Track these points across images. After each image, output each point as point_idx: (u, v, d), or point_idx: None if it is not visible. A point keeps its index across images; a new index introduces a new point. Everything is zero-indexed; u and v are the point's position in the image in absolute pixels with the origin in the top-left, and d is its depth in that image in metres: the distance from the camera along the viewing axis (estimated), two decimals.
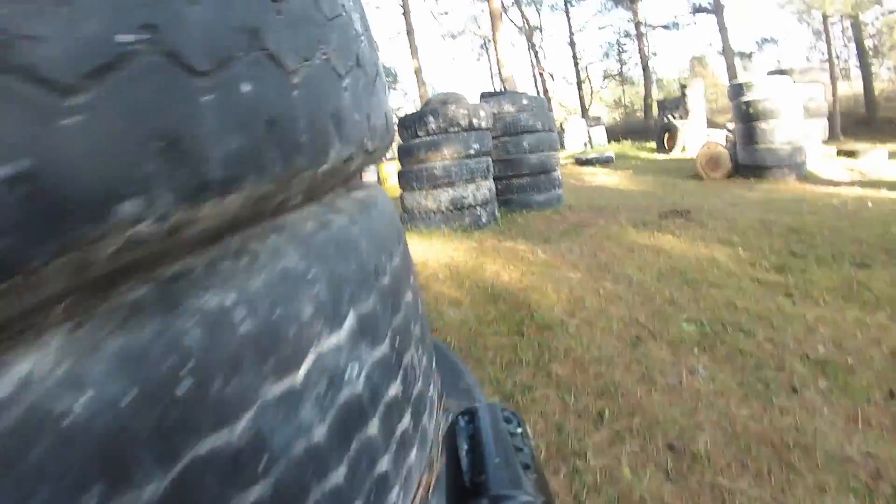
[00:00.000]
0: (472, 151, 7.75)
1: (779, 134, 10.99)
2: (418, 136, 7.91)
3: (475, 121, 7.80)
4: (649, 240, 5.93)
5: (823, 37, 28.34)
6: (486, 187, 8.02)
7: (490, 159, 8.31)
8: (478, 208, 7.86)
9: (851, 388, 2.85)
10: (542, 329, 3.79)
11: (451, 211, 7.74)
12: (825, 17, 26.50)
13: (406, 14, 27.80)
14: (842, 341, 3.34)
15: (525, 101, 9.30)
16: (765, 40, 35.04)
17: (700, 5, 33.71)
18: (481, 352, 3.58)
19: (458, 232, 7.42)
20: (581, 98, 40.27)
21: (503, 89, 17.75)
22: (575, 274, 4.96)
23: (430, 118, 7.73)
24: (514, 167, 9.14)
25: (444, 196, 7.72)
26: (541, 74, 39.95)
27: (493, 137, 8.83)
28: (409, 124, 8.01)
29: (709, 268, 4.81)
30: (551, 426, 2.66)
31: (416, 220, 8.04)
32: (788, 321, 3.63)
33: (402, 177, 8.26)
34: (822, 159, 13.43)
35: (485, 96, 9.95)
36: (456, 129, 7.72)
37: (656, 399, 2.83)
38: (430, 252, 6.36)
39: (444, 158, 7.72)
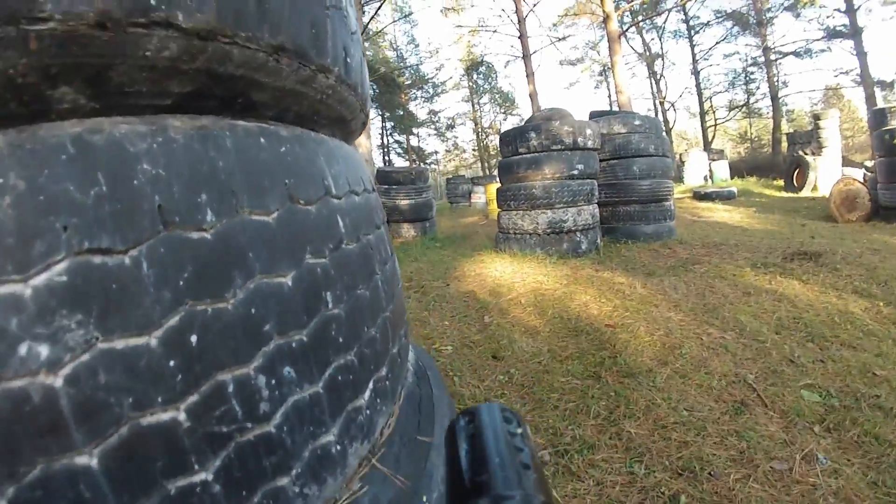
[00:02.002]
0: (575, 172, 7.19)
1: None
2: (519, 153, 7.47)
3: (580, 139, 7.22)
4: (769, 284, 5.10)
5: None
6: (589, 212, 7.39)
7: (595, 182, 7.71)
8: (578, 234, 7.24)
9: None
10: (624, 376, 3.18)
11: (549, 234, 7.19)
12: None
13: (523, 37, 27.73)
14: None
15: (637, 122, 8.58)
16: None
17: (835, 29, 31.38)
18: (546, 393, 3.06)
19: (555, 257, 6.86)
20: (704, 130, 38.59)
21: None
22: (675, 315, 4.25)
23: (532, 134, 7.27)
24: (621, 193, 8.45)
25: (542, 218, 7.18)
26: (661, 104, 38.72)
27: (600, 159, 8.28)
28: (511, 140, 7.59)
29: (841, 323, 3.96)
30: (605, 501, 2.03)
31: (510, 242, 7.60)
32: None
33: (500, 195, 7.86)
34: None
35: (594, 115, 9.35)
36: (559, 146, 7.19)
37: (754, 490, 2.14)
38: (519, 276, 5.89)
39: (544, 178, 7.21)
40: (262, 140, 0.69)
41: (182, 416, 0.52)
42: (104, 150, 0.51)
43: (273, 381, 0.60)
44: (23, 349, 0.42)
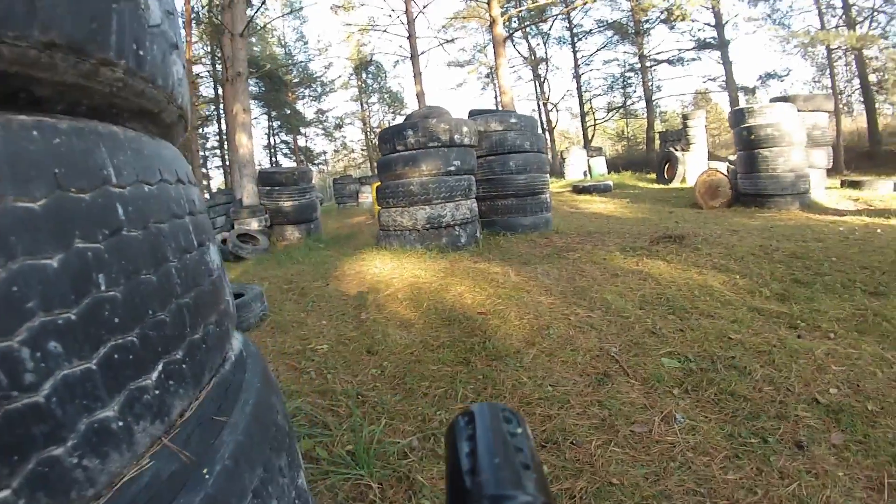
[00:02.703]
0: (452, 168, 7.24)
1: (781, 161, 10.45)
2: (397, 150, 7.45)
3: (457, 136, 7.29)
4: (636, 265, 5.34)
5: (827, 71, 28.31)
6: (467, 206, 7.48)
7: (473, 178, 7.81)
8: (457, 228, 7.31)
9: (874, 442, 2.22)
10: (493, 359, 3.22)
11: (428, 230, 7.22)
12: (829, 51, 26.52)
13: (412, 38, 27.87)
14: (859, 382, 2.71)
15: (513, 120, 8.78)
16: (769, 75, 34.66)
17: (705, 40, 33.66)
18: (416, 382, 3.05)
19: (434, 252, 6.87)
20: (584, 129, 40.19)
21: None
22: (546, 298, 4.36)
23: (409, 132, 7.27)
24: (499, 187, 8.60)
25: (421, 214, 7.20)
26: (545, 105, 39.96)
27: (478, 156, 8.39)
28: (388, 138, 7.57)
29: (701, 295, 4.20)
30: None
31: (391, 239, 7.56)
32: (793, 357, 3.01)
33: (379, 192, 7.81)
34: (826, 189, 12.92)
35: (473, 113, 9.50)
36: (436, 143, 7.23)
37: (615, 454, 2.21)
38: (398, 272, 5.86)
39: (422, 174, 7.22)
40: (35, 133, 0.69)
41: None
42: None
43: (38, 354, 0.61)
44: None
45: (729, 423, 2.42)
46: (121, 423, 0.70)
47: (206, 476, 0.75)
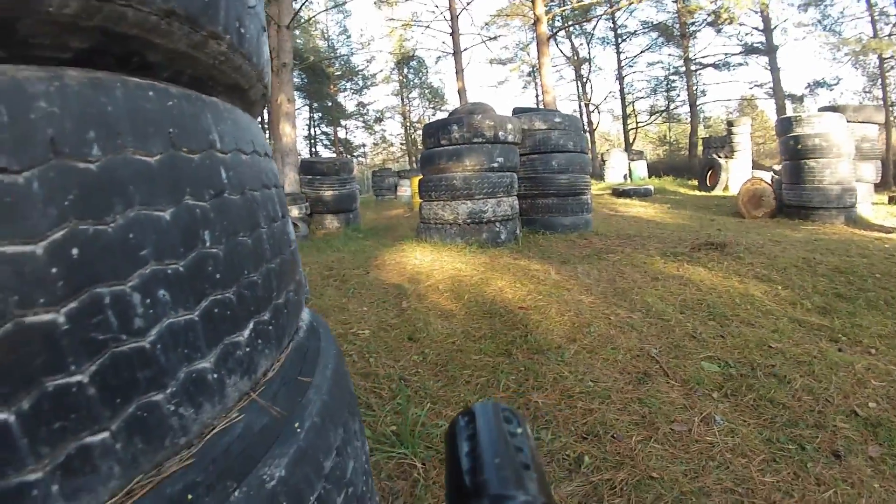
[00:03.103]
0: (495, 165, 7.33)
1: (828, 173, 10.26)
2: (441, 145, 7.55)
3: (501, 133, 7.37)
4: (677, 271, 5.35)
5: (879, 82, 27.56)
6: (508, 203, 7.55)
7: (515, 175, 7.88)
8: (497, 224, 7.38)
9: None
10: (534, 352, 3.28)
11: (469, 224, 7.31)
12: (881, 60, 25.80)
13: (454, 34, 27.89)
14: None
15: (557, 119, 8.81)
16: (817, 83, 33.89)
17: (752, 45, 33.07)
18: (458, 370, 3.13)
19: (474, 247, 6.96)
20: (626, 132, 39.84)
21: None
22: (586, 297, 4.41)
23: (454, 127, 7.37)
24: (540, 186, 8.66)
25: (463, 208, 7.29)
26: (586, 106, 39.67)
27: (521, 154, 8.44)
28: (433, 132, 7.69)
29: (742, 304, 4.21)
30: None
31: (431, 232, 7.67)
32: (833, 370, 3.02)
33: (422, 185, 7.93)
34: (873, 204, 12.66)
35: (517, 111, 9.52)
36: (480, 139, 7.33)
37: (654, 450, 2.26)
38: (438, 264, 5.94)
39: (465, 169, 7.32)
40: (151, 93, 0.74)
41: (61, 319, 0.55)
42: (6, 89, 0.56)
43: (148, 301, 0.64)
44: None
45: (767, 429, 2.45)
46: (215, 376, 0.76)
47: (298, 430, 0.80)
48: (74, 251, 0.57)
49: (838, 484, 2.05)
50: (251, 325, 0.86)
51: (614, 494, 1.97)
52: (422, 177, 8.05)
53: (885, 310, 4.07)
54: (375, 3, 31.17)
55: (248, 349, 0.85)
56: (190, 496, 0.64)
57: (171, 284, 0.68)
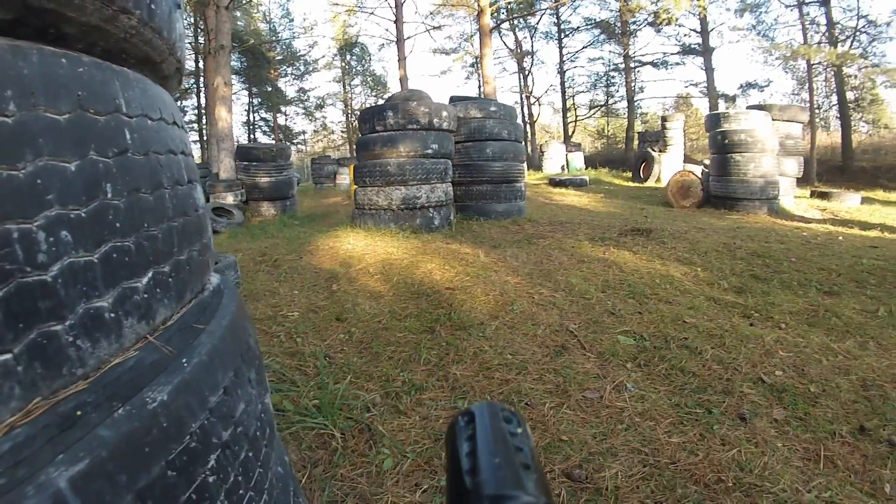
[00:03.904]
0: (429, 151, 7.35)
1: (752, 167, 10.74)
2: (376, 131, 7.52)
3: (436, 120, 7.39)
4: (603, 254, 5.48)
5: (807, 85, 28.74)
6: (442, 190, 7.57)
7: (450, 162, 7.90)
8: (431, 210, 7.40)
9: (813, 420, 2.37)
10: (457, 329, 3.33)
11: (403, 210, 7.30)
12: (809, 66, 26.94)
13: (398, 22, 27.76)
14: (804, 367, 2.86)
15: (493, 108, 8.90)
16: (749, 84, 35.13)
17: (689, 46, 34.02)
18: (382, 347, 3.16)
19: (408, 232, 6.97)
20: (565, 125, 40.42)
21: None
22: (512, 278, 4.48)
23: (389, 113, 7.35)
24: (475, 173, 8.72)
25: (397, 194, 7.28)
26: (528, 98, 40.08)
27: (456, 142, 8.50)
28: (369, 117, 7.64)
29: (661, 284, 4.35)
30: (430, 433, 2.16)
31: (365, 217, 7.62)
32: (743, 342, 3.16)
33: (357, 171, 7.87)
34: (796, 198, 13.22)
35: (454, 99, 9.58)
36: (415, 126, 7.33)
37: (566, 416, 2.33)
38: (371, 248, 5.93)
39: (399, 155, 7.31)
40: (64, 60, 0.82)
41: None
42: None
43: (51, 240, 0.71)
44: None
45: (676, 395, 2.55)
46: (112, 315, 0.81)
47: (185, 364, 0.85)
48: None
49: (743, 444, 2.15)
50: (150, 275, 0.92)
51: None
52: (357, 163, 8.00)
53: (798, 289, 4.27)
54: None
55: (145, 295, 0.91)
56: (79, 413, 0.69)
57: (73, 227, 0.74)
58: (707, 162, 14.56)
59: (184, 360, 0.86)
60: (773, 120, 12.03)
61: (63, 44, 0.86)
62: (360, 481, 1.96)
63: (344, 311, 3.84)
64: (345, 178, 21.57)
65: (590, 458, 2.01)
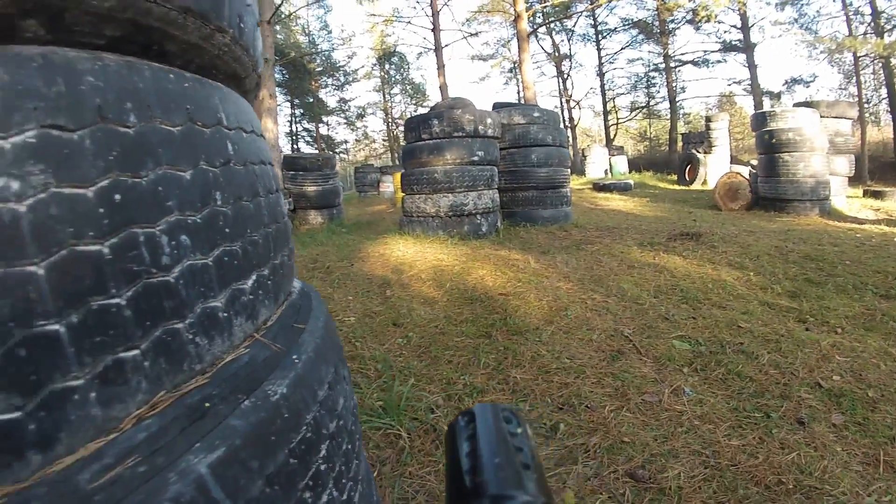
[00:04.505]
0: (475, 158, 7.44)
1: (802, 166, 10.51)
2: (422, 139, 7.64)
3: (481, 127, 7.49)
4: (653, 259, 5.50)
5: (854, 79, 27.98)
6: (489, 196, 7.66)
7: (495, 168, 7.99)
8: (478, 217, 7.50)
9: (872, 424, 2.39)
10: (513, 334, 3.41)
11: (450, 217, 7.41)
12: (856, 58, 26.21)
13: (436, 30, 27.93)
14: (862, 372, 2.87)
15: (536, 114, 8.94)
16: (794, 80, 34.21)
17: (730, 42, 33.44)
18: (441, 351, 3.25)
19: (456, 239, 7.08)
20: (606, 128, 40.08)
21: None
22: (564, 284, 4.54)
23: (435, 121, 7.47)
24: (520, 179, 8.79)
25: (444, 201, 7.39)
26: (567, 101, 39.90)
27: (501, 149, 8.57)
28: (415, 126, 7.77)
29: (714, 288, 4.36)
30: None
31: (413, 224, 7.75)
32: (799, 346, 3.17)
33: (404, 179, 8.00)
34: (847, 198, 12.92)
35: (497, 106, 9.65)
36: (461, 133, 7.43)
37: (626, 418, 2.40)
38: (420, 255, 6.03)
39: (446, 163, 7.42)
40: (171, 76, 0.88)
41: (105, 250, 0.67)
42: (61, 64, 0.69)
43: (173, 243, 0.77)
44: (1, 182, 0.58)
45: (734, 399, 2.59)
46: (225, 314, 0.89)
47: (296, 361, 0.93)
48: (117, 196, 0.69)
49: (802, 447, 2.18)
50: (254, 277, 1.00)
51: (588, 457, 2.09)
52: (404, 171, 8.13)
53: (853, 293, 4.22)
54: None
55: (251, 296, 0.99)
56: (207, 405, 0.75)
57: (190, 232, 0.81)
58: (754, 163, 14.29)
59: (294, 357, 0.93)
60: (822, 117, 11.80)
61: (164, 60, 0.92)
62: (429, 479, 2.05)
63: (400, 317, 3.94)
64: (388, 185, 21.77)
65: (652, 460, 2.07)
